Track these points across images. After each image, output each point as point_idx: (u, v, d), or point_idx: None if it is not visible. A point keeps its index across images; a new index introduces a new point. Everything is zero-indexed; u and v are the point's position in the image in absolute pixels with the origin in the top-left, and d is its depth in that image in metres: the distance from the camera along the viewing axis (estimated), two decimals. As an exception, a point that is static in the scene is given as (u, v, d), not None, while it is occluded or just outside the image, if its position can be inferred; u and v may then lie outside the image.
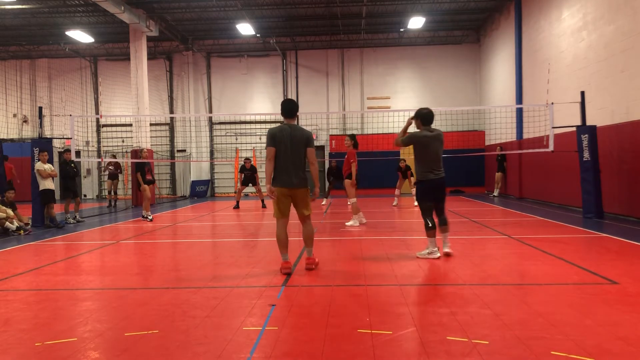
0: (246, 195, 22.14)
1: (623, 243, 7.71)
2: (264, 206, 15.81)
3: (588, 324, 3.88)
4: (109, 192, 18.41)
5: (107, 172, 18.97)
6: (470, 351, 3.38)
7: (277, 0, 18.25)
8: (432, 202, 6.67)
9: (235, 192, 16.25)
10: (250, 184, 16.23)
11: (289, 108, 5.90)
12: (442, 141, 6.67)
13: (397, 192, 16.45)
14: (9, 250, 8.40)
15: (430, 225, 6.60)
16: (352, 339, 3.66)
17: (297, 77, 23.12)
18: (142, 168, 12.82)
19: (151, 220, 12.48)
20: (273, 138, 5.78)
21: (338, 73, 23.08)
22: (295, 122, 5.99)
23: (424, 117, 6.67)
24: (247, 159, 16.47)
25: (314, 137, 25.55)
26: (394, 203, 15.95)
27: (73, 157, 12.84)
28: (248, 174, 16.17)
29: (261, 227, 11.21)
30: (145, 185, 12.69)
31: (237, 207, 15.78)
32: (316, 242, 7.12)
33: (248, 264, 6.60)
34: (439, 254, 6.59)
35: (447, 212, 6.93)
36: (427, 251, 6.65)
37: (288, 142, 5.73)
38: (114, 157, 19.42)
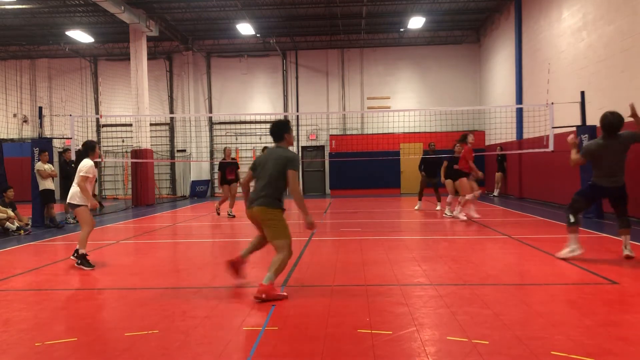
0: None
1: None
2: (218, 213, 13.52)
3: (588, 324, 3.88)
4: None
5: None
6: (470, 351, 3.38)
7: (277, 0, 18.25)
8: (587, 203, 6.48)
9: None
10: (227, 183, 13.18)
11: (272, 131, 5.26)
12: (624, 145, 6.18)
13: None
14: (9, 250, 8.40)
15: (572, 220, 6.31)
16: (352, 339, 3.66)
17: (297, 77, 23.11)
18: (222, 168, 13.14)
19: (233, 216, 12.76)
20: (255, 161, 5.28)
21: (338, 73, 23.07)
22: (285, 146, 5.20)
23: (602, 124, 6.29)
24: (265, 148, 14.02)
25: (313, 138, 25.24)
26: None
27: (73, 157, 12.83)
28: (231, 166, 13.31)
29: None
30: (226, 185, 13.02)
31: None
32: (316, 242, 7.11)
33: (248, 264, 6.58)
34: (580, 251, 6.31)
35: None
36: (569, 249, 6.34)
37: (266, 161, 5.09)
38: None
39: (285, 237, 4.98)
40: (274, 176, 4.96)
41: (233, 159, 13.65)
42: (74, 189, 6.75)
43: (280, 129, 5.19)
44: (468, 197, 10.85)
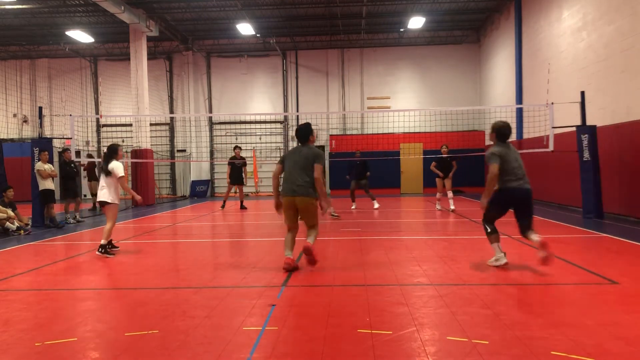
0: (247, 195, 22.14)
1: (623, 243, 7.71)
2: (242, 207, 15.17)
3: (588, 324, 3.88)
4: (92, 195, 16.81)
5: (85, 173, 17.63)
6: (470, 351, 3.37)
7: (277, 0, 18.25)
8: (500, 211, 6.09)
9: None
10: (238, 182, 15.01)
11: (299, 134, 6.28)
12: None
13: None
14: (9, 250, 8.40)
15: (488, 230, 6.10)
16: (352, 339, 3.66)
17: (297, 77, 23.11)
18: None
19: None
20: (283, 157, 6.33)
21: (338, 73, 23.07)
22: (310, 144, 6.28)
23: (499, 132, 6.24)
24: (236, 147, 15.32)
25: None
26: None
27: (73, 157, 12.85)
28: (239, 164, 14.97)
29: (261, 227, 11.21)
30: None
31: (223, 207, 14.99)
32: (316, 242, 7.10)
33: (248, 264, 6.60)
34: (505, 260, 5.96)
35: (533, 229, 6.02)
36: (494, 258, 6.11)
37: (296, 156, 6.12)
38: (91, 156, 19.20)
39: (318, 220, 6.24)
40: (306, 169, 6.01)
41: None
42: (106, 188, 7.47)
43: (307, 132, 6.24)
44: None
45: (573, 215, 11.61)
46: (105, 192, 7.49)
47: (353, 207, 14.38)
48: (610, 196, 11.20)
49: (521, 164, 6.13)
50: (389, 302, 4.62)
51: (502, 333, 3.71)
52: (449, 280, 5.46)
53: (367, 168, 14.16)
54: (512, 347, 3.42)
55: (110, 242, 7.61)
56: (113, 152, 7.70)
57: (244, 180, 15.52)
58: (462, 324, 3.94)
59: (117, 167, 7.51)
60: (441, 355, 3.34)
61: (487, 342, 3.52)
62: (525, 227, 5.97)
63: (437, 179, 13.13)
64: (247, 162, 22.64)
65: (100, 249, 7.37)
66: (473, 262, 6.39)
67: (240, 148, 15.47)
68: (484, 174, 21.42)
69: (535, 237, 5.80)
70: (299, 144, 6.30)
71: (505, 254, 6.03)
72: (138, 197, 7.97)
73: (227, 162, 15.65)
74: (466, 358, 3.27)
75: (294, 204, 6.05)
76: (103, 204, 7.57)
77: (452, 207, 13.01)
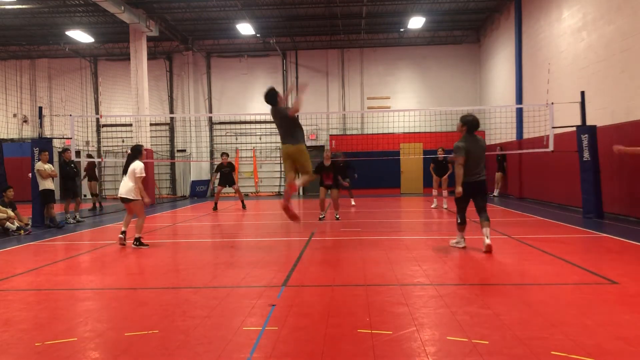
0: (246, 195, 22.13)
1: (623, 243, 7.71)
2: (244, 207, 15.23)
3: (588, 324, 3.88)
4: (92, 194, 17.25)
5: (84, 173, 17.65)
6: (470, 351, 3.38)
7: (277, 0, 18.25)
8: (466, 202, 7.27)
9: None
10: (227, 185, 15.21)
11: (267, 100, 7.21)
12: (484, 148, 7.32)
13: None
14: (9, 250, 8.40)
15: (459, 221, 7.33)
16: (352, 339, 3.66)
17: (297, 77, 23.11)
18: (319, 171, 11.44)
19: (322, 218, 11.30)
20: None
21: (338, 73, 23.07)
22: (284, 105, 7.36)
23: (470, 124, 7.22)
24: (224, 153, 15.54)
25: (313, 138, 25.31)
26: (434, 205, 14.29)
27: (73, 157, 12.84)
28: (226, 170, 15.09)
29: (261, 227, 11.21)
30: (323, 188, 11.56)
31: (215, 209, 14.88)
32: (316, 242, 7.15)
33: (248, 264, 6.60)
34: (464, 245, 7.34)
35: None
36: (455, 241, 7.48)
37: (275, 120, 7.34)
38: (90, 156, 19.15)
39: (310, 170, 7.22)
40: (288, 127, 7.16)
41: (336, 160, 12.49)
42: (128, 185, 8.12)
43: (273, 96, 7.15)
44: None
45: (573, 215, 11.61)
46: (128, 190, 8.12)
47: (352, 203, 15.40)
48: (610, 196, 11.20)
49: (481, 158, 7.13)
50: (389, 302, 4.62)
51: (502, 333, 3.71)
52: (449, 280, 5.46)
53: (349, 169, 14.67)
54: (512, 347, 3.43)
55: (139, 239, 8.15)
56: (137, 152, 8.40)
57: (235, 180, 15.53)
58: (462, 324, 3.94)
59: (137, 166, 8.17)
60: (441, 355, 3.34)
61: (487, 342, 3.52)
62: (480, 207, 7.15)
63: (433, 178, 13.83)
64: (245, 163, 22.82)
65: (135, 242, 8.08)
66: (473, 262, 6.39)
67: (227, 154, 15.58)
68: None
69: (487, 232, 7.01)
70: (273, 109, 7.22)
71: (464, 239, 7.38)
72: (147, 200, 8.34)
73: (215, 170, 15.97)
74: (466, 358, 3.27)
75: (287, 153, 7.14)
76: (126, 200, 8.17)
77: (445, 205, 13.61)
